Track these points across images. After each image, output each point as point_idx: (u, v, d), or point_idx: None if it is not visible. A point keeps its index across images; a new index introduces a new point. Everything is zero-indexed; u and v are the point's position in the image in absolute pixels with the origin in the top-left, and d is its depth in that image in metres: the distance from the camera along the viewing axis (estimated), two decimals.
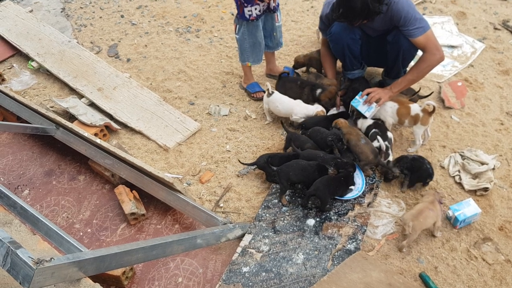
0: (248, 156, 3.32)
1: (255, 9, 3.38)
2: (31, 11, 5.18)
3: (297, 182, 2.90)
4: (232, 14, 5.09)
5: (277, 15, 3.60)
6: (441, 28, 4.60)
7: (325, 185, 2.77)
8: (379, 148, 3.03)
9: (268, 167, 2.94)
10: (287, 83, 3.67)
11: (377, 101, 3.17)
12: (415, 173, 2.91)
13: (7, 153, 3.45)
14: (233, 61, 4.36)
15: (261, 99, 3.84)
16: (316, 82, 3.64)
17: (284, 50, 4.37)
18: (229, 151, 3.39)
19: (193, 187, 3.11)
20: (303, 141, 3.14)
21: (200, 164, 3.29)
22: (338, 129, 3.13)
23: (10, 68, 4.40)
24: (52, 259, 1.63)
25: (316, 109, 3.45)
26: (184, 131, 3.54)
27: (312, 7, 5.19)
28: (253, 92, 3.87)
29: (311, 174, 2.84)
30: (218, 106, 3.79)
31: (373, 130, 3.12)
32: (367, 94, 3.21)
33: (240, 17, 3.44)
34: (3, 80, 4.17)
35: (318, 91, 3.52)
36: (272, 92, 3.46)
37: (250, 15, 3.40)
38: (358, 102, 3.25)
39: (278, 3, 3.52)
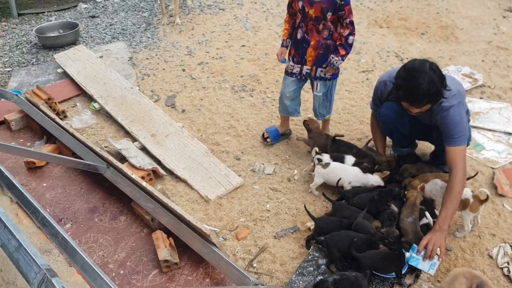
0: (287, 218, 3.28)
1: (292, 66, 3.68)
2: (101, 56, 5.58)
3: (345, 253, 2.78)
4: None
5: (317, 84, 3.69)
6: (499, 114, 4.52)
7: (371, 258, 2.67)
8: (428, 225, 2.90)
9: (317, 235, 2.88)
10: (341, 147, 3.63)
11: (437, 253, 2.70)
12: None
13: (57, 186, 3.58)
14: None
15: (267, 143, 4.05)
16: (370, 153, 3.56)
17: (335, 117, 4.41)
18: (269, 210, 3.37)
19: (229, 243, 3.08)
20: (353, 210, 3.06)
21: (238, 220, 3.28)
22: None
23: (74, 106, 4.68)
24: None
25: (375, 179, 3.33)
26: (227, 185, 3.56)
27: (367, 79, 5.27)
28: (267, 137, 4.08)
29: (359, 246, 2.74)
30: (263, 164, 3.82)
31: (420, 206, 3.01)
32: (425, 248, 2.69)
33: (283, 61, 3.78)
34: (65, 116, 4.43)
35: None
36: (328, 164, 3.38)
37: (286, 63, 3.74)
38: (418, 260, 2.69)
39: (317, 76, 3.63)
